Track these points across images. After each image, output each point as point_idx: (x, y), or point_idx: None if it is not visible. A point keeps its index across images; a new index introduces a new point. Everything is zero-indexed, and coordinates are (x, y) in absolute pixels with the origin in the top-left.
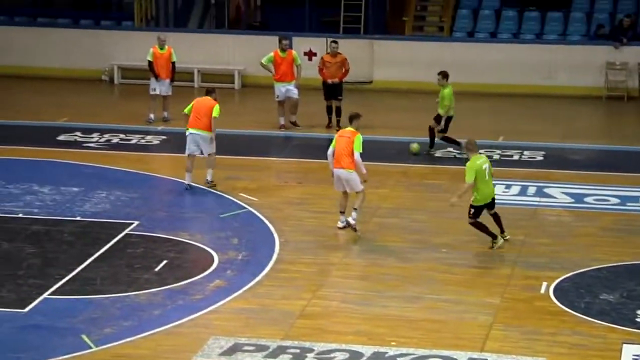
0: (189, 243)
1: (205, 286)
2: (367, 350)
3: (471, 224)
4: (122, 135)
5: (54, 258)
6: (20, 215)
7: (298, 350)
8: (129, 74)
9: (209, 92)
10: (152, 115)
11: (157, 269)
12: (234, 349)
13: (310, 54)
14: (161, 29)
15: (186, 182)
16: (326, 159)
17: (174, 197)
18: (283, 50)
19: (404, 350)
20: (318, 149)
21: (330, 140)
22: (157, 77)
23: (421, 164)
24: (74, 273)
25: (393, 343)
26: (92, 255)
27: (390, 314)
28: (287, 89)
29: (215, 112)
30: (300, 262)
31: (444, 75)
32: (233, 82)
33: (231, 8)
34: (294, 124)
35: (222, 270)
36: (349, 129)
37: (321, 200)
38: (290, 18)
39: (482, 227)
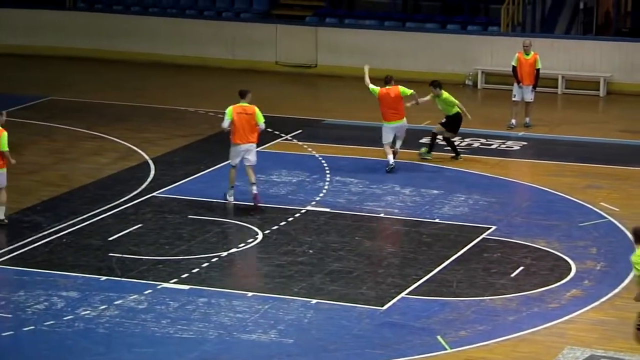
0: (546, 250)
1: (562, 295)
2: None
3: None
4: (482, 140)
5: (413, 258)
6: (382, 215)
7: None
8: (493, 79)
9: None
10: (513, 121)
11: (513, 275)
12: None
13: None
14: (527, 34)
15: (390, 161)
16: None
17: (532, 204)
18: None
19: None
20: None
21: None
22: (519, 82)
23: None
24: (431, 274)
25: None
26: (449, 257)
27: None
28: None
29: (403, 92)
30: None
31: (436, 85)
32: (598, 89)
33: (600, 13)
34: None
35: (579, 279)
36: (244, 104)
37: None
38: None
39: None
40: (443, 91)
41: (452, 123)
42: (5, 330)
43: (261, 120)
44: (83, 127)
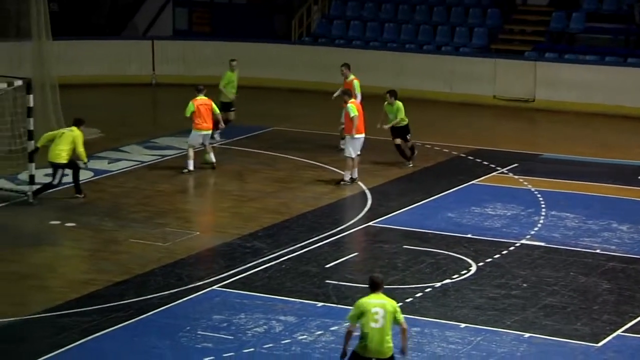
0: None
1: None
2: None
3: None
4: None
5: (630, 296)
6: (598, 251)
7: None
8: None
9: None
10: None
11: None
12: None
13: None
14: None
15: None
16: None
17: None
18: None
19: None
20: None
21: None
22: None
23: None
24: None
25: None
26: None
27: None
28: None
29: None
30: None
31: (393, 94)
32: None
33: None
34: None
35: None
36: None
37: None
38: None
39: None
40: (397, 101)
41: (404, 131)
42: (227, 352)
43: (216, 111)
44: (304, 157)
